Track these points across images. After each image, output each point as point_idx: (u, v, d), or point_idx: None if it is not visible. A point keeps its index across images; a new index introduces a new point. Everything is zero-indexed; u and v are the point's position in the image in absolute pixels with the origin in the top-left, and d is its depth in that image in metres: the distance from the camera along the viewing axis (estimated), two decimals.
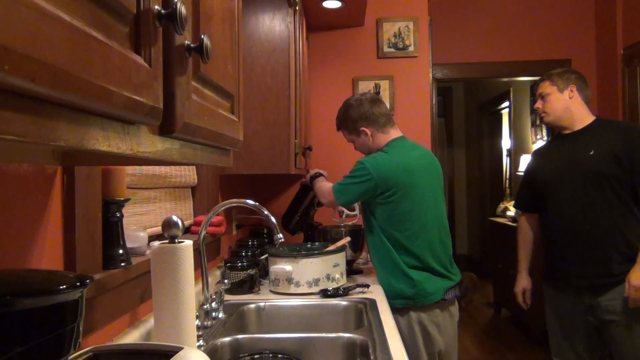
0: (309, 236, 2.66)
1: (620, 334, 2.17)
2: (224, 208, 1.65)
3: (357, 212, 2.50)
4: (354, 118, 2.17)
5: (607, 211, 2.17)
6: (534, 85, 5.09)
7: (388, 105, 3.08)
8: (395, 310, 1.96)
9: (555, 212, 2.32)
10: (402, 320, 2.02)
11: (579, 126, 2.28)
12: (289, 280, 1.97)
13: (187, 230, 1.90)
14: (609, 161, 2.16)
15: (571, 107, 2.28)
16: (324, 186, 2.26)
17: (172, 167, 1.71)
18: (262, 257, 2.14)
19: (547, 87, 2.32)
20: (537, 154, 2.52)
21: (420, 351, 2.01)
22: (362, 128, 2.15)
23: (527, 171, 2.51)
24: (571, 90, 2.28)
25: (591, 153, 2.20)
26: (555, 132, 2.41)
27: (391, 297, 2.01)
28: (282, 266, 1.97)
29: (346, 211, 2.48)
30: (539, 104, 2.36)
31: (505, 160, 6.20)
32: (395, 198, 2.04)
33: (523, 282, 2.52)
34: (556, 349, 2.39)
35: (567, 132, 2.31)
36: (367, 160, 2.09)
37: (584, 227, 2.20)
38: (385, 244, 2.07)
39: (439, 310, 2.05)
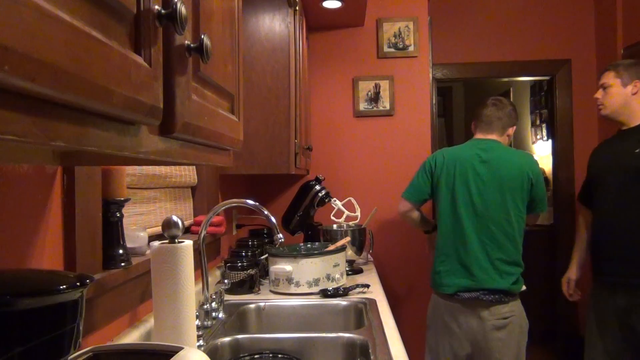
0: (309, 236, 2.66)
1: None
2: (224, 208, 1.65)
3: (357, 213, 2.50)
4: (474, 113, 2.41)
5: None
6: (534, 85, 5.10)
7: (388, 106, 3.09)
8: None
9: (597, 208, 2.25)
10: (431, 297, 2.32)
11: (635, 123, 2.16)
12: (289, 280, 1.97)
13: (187, 230, 1.90)
14: None
15: (631, 103, 2.15)
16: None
17: (172, 167, 1.71)
18: (262, 257, 2.14)
19: (610, 78, 2.19)
20: (596, 148, 2.44)
21: (439, 335, 2.23)
22: (473, 122, 2.41)
23: (587, 165, 2.44)
24: (635, 86, 2.14)
25: (636, 151, 2.09)
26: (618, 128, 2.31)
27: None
28: (282, 266, 1.97)
29: (347, 212, 2.47)
30: (598, 94, 2.23)
31: None
32: (438, 178, 2.25)
33: (569, 272, 2.51)
34: (589, 348, 2.31)
35: (625, 128, 2.21)
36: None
37: (621, 225, 2.13)
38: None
39: (460, 305, 2.17)
